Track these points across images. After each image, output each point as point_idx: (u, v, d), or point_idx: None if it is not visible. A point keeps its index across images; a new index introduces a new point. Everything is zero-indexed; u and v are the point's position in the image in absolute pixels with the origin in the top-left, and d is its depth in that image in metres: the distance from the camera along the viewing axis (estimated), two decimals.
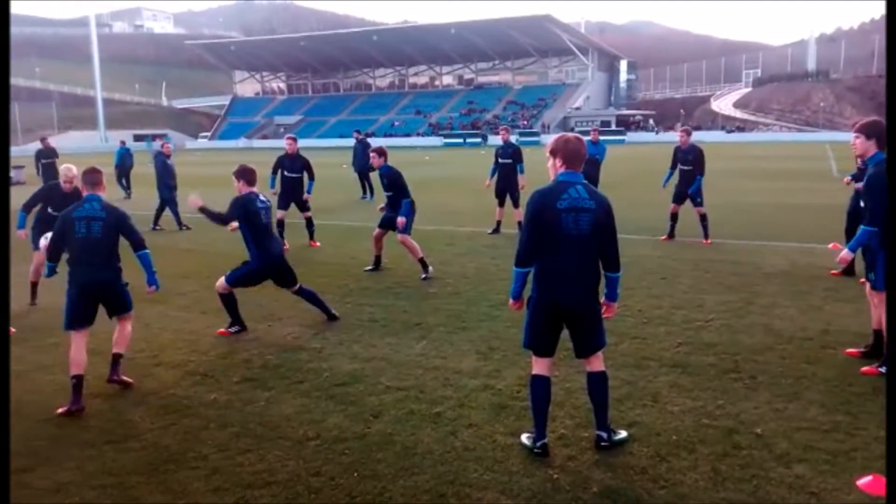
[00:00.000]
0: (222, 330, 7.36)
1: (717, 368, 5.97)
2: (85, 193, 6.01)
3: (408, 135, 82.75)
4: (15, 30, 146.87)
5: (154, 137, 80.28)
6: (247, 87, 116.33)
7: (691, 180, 12.00)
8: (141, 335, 7.34)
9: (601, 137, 15.13)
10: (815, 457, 4.36)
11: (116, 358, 5.95)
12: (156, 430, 5.03)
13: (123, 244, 5.91)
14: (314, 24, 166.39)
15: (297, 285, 7.64)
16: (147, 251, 6.10)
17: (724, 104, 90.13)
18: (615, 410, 4.93)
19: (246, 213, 7.19)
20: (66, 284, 5.83)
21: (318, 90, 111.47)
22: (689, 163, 12.03)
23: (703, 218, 12.06)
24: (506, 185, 13.41)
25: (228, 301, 7.39)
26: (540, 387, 4.49)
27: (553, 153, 4.42)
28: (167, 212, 15.59)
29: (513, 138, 14.49)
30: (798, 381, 5.61)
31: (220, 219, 7.30)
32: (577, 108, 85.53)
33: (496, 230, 13.57)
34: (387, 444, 4.69)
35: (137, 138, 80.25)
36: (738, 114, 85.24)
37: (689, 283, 9.16)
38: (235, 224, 7.43)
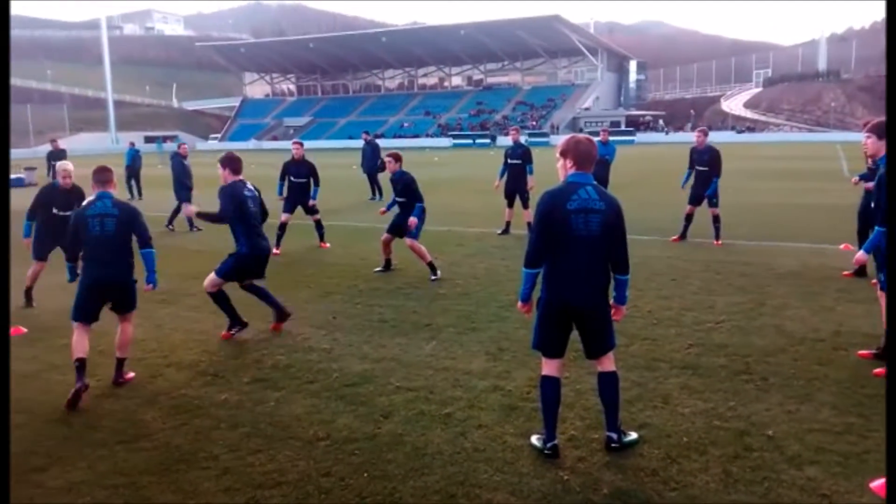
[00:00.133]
0: (225, 332, 7.26)
1: (728, 370, 5.94)
2: (96, 191, 6.06)
3: (417, 136, 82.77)
4: (27, 32, 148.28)
5: (165, 139, 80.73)
6: (257, 88, 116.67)
7: (707, 181, 11.95)
8: (152, 335, 7.39)
9: (611, 138, 15.09)
10: (827, 459, 4.34)
11: (121, 362, 6.07)
12: (167, 430, 5.05)
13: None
14: (323, 26, 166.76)
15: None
16: (153, 250, 6.18)
17: (734, 104, 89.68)
18: (625, 412, 4.92)
19: (235, 202, 7.00)
20: (79, 279, 6.00)
21: (327, 91, 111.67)
22: (706, 163, 11.97)
23: (717, 219, 12.01)
24: (515, 185, 13.39)
25: (220, 299, 7.22)
26: (550, 388, 4.48)
27: (563, 154, 4.42)
28: (176, 212, 15.65)
29: (522, 139, 14.47)
30: (810, 383, 5.58)
31: (217, 217, 7.11)
32: (587, 109, 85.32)
33: (505, 231, 13.56)
34: (397, 445, 4.70)
35: (148, 140, 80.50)
36: (748, 114, 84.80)
37: (700, 284, 9.12)
38: None
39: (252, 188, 7.24)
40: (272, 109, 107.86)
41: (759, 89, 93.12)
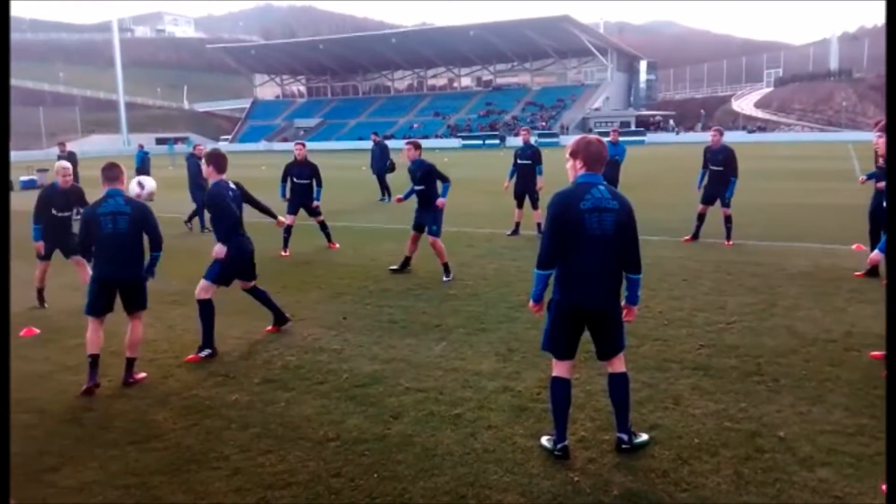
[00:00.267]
0: (191, 356, 6.67)
1: (740, 371, 5.91)
2: (105, 188, 6.08)
3: (426, 136, 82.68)
4: (41, 36, 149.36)
5: (176, 141, 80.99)
6: (267, 90, 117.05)
7: (721, 181, 11.87)
8: (164, 336, 7.43)
9: (621, 138, 15.05)
10: (839, 460, 4.31)
11: (130, 362, 6.11)
12: (178, 431, 5.08)
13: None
14: (333, 28, 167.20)
15: (254, 282, 7.27)
16: (160, 254, 6.29)
17: (745, 104, 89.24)
18: (636, 413, 4.91)
19: (219, 201, 6.75)
20: (91, 274, 6.11)
21: (337, 93, 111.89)
22: (720, 163, 11.89)
23: (728, 219, 11.95)
24: (525, 186, 13.37)
25: (206, 311, 6.77)
26: (560, 389, 4.47)
27: (573, 154, 4.41)
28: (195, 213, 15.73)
29: (532, 140, 14.46)
30: (822, 384, 5.55)
31: (223, 222, 6.78)
32: (597, 109, 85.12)
33: (515, 232, 13.54)
34: (407, 446, 4.70)
35: (159, 141, 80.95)
36: (759, 114, 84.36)
37: (711, 284, 9.09)
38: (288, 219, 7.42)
39: (234, 187, 6.99)
40: (282, 111, 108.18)
41: (770, 89, 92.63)
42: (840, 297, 8.26)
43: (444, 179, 9.86)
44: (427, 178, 9.81)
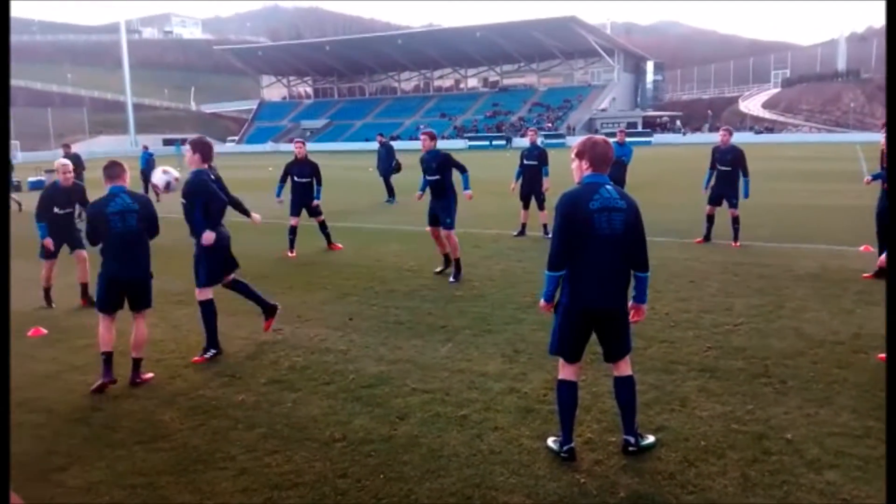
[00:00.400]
0: (197, 357, 6.68)
1: (747, 373, 5.89)
2: (108, 186, 6.09)
3: None
4: (49, 37, 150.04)
5: (183, 142, 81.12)
6: (274, 91, 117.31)
7: (729, 181, 11.83)
8: (170, 336, 7.45)
9: (627, 139, 15.01)
10: (846, 463, 4.29)
11: (137, 362, 6.14)
12: (185, 431, 5.09)
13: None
14: (340, 29, 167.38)
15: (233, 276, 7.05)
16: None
17: (752, 105, 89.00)
18: (643, 415, 4.90)
19: (206, 188, 6.57)
20: (100, 271, 6.09)
21: (343, 94, 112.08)
22: (729, 163, 11.85)
23: (736, 220, 11.90)
24: (531, 187, 13.35)
25: (208, 311, 6.71)
26: (567, 391, 4.46)
27: (579, 155, 4.40)
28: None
29: (538, 140, 14.44)
30: (829, 386, 5.53)
31: (203, 211, 6.58)
32: (603, 110, 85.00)
33: (521, 233, 13.53)
34: (413, 447, 4.70)
35: (167, 142, 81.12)
36: (766, 114, 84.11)
37: (718, 286, 9.06)
38: (258, 218, 7.37)
39: (216, 177, 6.89)
40: (289, 112, 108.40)
41: (778, 90, 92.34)
42: (848, 298, 8.23)
43: (463, 169, 9.81)
44: (443, 168, 9.76)
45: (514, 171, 13.81)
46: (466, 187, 9.95)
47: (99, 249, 6.14)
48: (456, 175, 9.82)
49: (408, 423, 5.10)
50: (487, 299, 8.68)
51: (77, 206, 9.17)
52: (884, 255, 5.99)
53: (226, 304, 8.78)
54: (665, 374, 5.91)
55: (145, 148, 25.17)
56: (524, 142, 14.05)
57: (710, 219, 12.23)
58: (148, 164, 23.49)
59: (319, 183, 12.45)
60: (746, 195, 11.83)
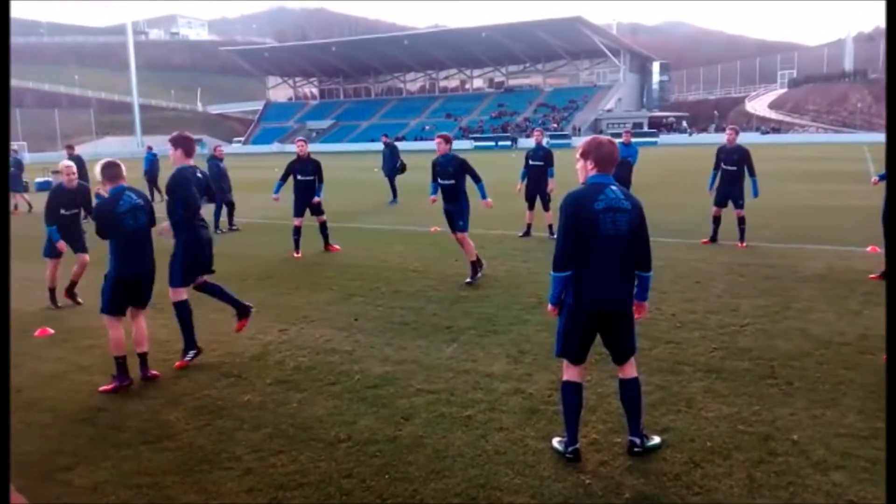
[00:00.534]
0: (178, 362, 6.54)
1: (753, 374, 5.87)
2: (109, 187, 6.11)
3: None
4: (56, 39, 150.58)
5: None
6: (280, 92, 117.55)
7: (735, 181, 11.79)
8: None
9: (633, 139, 14.99)
10: (853, 464, 4.28)
11: (144, 357, 6.19)
12: (190, 431, 5.10)
13: None
14: (345, 30, 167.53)
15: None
16: None
17: (758, 105, 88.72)
18: (648, 416, 4.89)
19: (186, 186, 6.43)
20: (109, 272, 6.07)
21: (349, 95, 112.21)
22: (734, 163, 11.80)
23: (742, 221, 11.85)
24: (536, 187, 13.34)
25: (183, 311, 6.57)
26: (571, 393, 4.46)
27: (584, 155, 4.39)
28: (213, 214, 15.83)
29: (544, 141, 14.43)
30: (836, 387, 5.51)
31: (183, 208, 6.45)
32: (609, 111, 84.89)
33: (527, 233, 13.52)
34: (418, 447, 4.70)
35: None
36: (773, 115, 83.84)
37: (724, 286, 9.03)
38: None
39: (200, 175, 6.73)
40: (295, 113, 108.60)
41: (784, 90, 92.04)
42: (854, 299, 8.20)
43: (477, 178, 9.71)
44: (459, 173, 9.68)
45: (519, 171, 13.80)
46: (484, 196, 9.77)
47: (110, 250, 6.13)
48: (468, 180, 9.74)
49: (413, 423, 5.10)
50: (492, 300, 8.68)
51: (82, 209, 9.23)
52: None
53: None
54: (671, 374, 5.90)
55: (149, 149, 25.10)
56: (530, 142, 13.97)
57: (717, 220, 12.18)
58: (152, 165, 23.49)
59: (321, 181, 12.43)
60: (756, 194, 11.79)
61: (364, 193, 23.68)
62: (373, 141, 73.59)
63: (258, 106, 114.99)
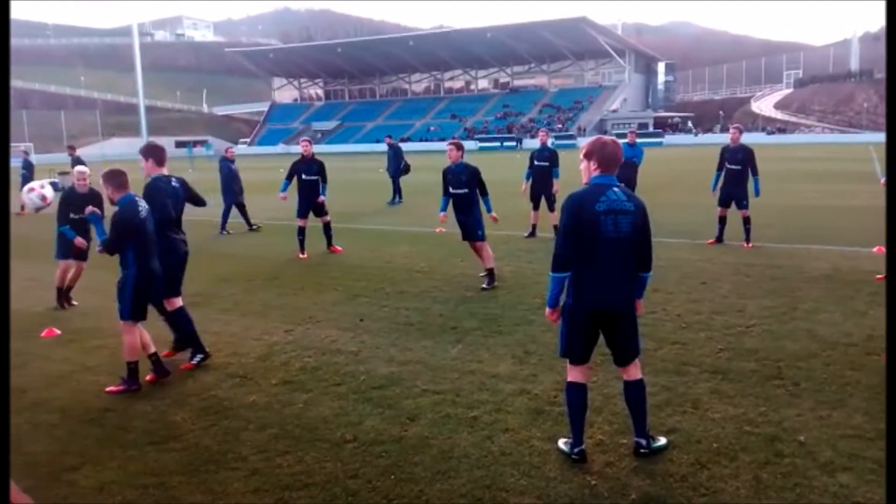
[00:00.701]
0: (186, 364, 6.52)
1: (759, 375, 5.86)
2: (121, 195, 6.05)
3: (443, 139, 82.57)
4: (62, 40, 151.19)
5: (195, 144, 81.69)
6: (285, 93, 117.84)
7: (739, 181, 11.74)
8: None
9: (638, 140, 14.95)
10: (860, 465, 4.26)
11: (157, 357, 6.19)
12: (196, 431, 5.11)
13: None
14: (350, 31, 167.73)
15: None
16: None
17: (764, 105, 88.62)
18: (654, 417, 4.87)
19: (156, 195, 6.35)
20: (132, 278, 5.94)
21: (354, 96, 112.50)
22: (739, 162, 11.74)
23: (747, 221, 11.81)
24: (541, 188, 13.33)
25: (183, 319, 6.54)
26: (576, 394, 4.45)
27: (588, 156, 4.38)
28: (221, 214, 15.85)
29: (549, 141, 14.41)
30: (842, 388, 5.48)
31: (159, 218, 6.30)
32: (614, 111, 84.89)
33: (532, 234, 13.51)
34: (423, 448, 4.70)
35: (179, 144, 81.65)
36: (778, 115, 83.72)
37: (730, 287, 9.01)
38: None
39: (177, 184, 6.66)
40: (300, 114, 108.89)
41: (790, 90, 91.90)
42: (861, 300, 8.17)
43: (485, 192, 9.47)
44: (472, 182, 9.41)
45: (524, 172, 13.79)
46: (489, 210, 9.54)
47: (121, 261, 6.01)
48: None
49: (418, 424, 5.10)
50: (498, 300, 8.67)
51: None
52: None
53: (238, 306, 8.81)
54: (677, 375, 5.88)
55: None
56: (535, 143, 13.98)
57: (723, 220, 12.14)
58: None
59: (325, 181, 12.40)
60: (757, 194, 11.76)
61: (369, 194, 23.70)
62: (378, 142, 73.76)
63: (264, 107, 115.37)
